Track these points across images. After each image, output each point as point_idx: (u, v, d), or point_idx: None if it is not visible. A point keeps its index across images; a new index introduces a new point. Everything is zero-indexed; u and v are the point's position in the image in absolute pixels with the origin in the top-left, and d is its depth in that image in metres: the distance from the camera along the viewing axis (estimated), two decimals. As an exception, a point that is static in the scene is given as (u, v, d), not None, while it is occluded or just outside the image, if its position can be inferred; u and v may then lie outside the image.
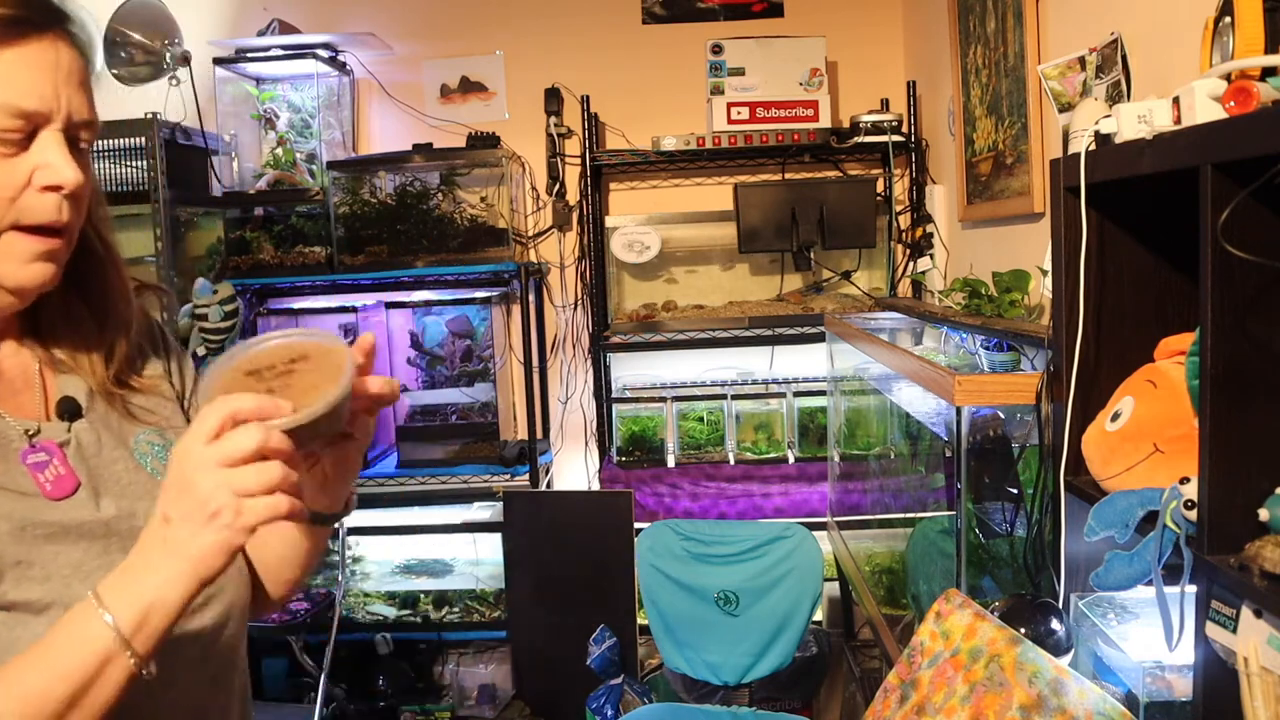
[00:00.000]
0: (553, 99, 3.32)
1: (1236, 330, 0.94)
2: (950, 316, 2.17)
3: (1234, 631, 0.94)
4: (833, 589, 2.97)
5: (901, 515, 2.34)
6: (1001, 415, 1.63)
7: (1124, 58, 1.64)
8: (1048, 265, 1.63)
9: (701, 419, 3.13)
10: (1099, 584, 1.13)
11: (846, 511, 2.76)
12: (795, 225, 2.99)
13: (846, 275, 3.20)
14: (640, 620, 2.82)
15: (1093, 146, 1.25)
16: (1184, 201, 1.00)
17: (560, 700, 2.85)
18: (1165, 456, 1.14)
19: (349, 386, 0.75)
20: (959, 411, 1.53)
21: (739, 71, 3.06)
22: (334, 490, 0.87)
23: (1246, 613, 0.92)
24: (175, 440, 0.76)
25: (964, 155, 2.57)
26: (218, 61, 3.13)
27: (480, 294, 3.14)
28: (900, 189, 3.18)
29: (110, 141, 2.80)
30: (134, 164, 2.80)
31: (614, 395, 3.28)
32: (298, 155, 3.21)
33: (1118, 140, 1.19)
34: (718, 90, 3.07)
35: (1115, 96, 1.64)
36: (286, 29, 3.18)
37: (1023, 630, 1.26)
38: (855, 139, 3.05)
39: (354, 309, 3.10)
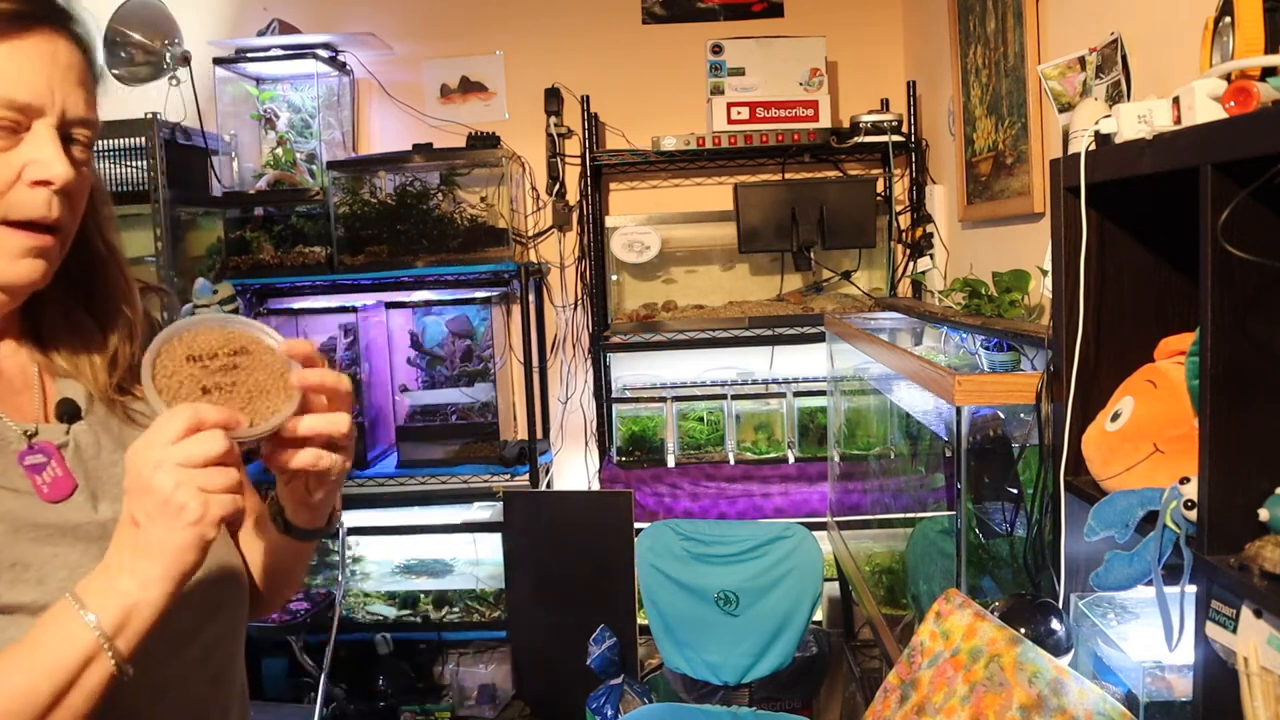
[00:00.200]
0: (553, 99, 3.32)
1: (1236, 330, 0.94)
2: (950, 316, 2.17)
3: (1234, 631, 0.94)
4: (833, 589, 2.97)
5: (901, 515, 2.34)
6: (1001, 415, 1.63)
7: (1124, 58, 1.64)
8: (1048, 265, 1.63)
9: (701, 419, 3.13)
10: (1099, 584, 1.13)
11: (846, 511, 2.76)
12: (795, 225, 2.99)
13: (846, 275, 3.20)
14: (640, 620, 2.82)
15: (1093, 146, 1.25)
16: (1184, 201, 1.00)
17: (560, 700, 2.85)
18: (1165, 456, 1.14)
19: (295, 404, 0.79)
20: (959, 411, 1.53)
21: (739, 71, 3.06)
22: (315, 507, 0.88)
23: (1246, 613, 0.92)
24: None
25: (964, 155, 2.57)
26: (218, 61, 3.13)
27: (480, 294, 3.14)
28: (900, 189, 3.18)
29: (110, 141, 2.80)
30: (134, 164, 2.80)
31: (614, 395, 3.28)
32: (298, 155, 3.21)
33: (1118, 140, 1.19)
34: (718, 90, 3.07)
35: (1115, 96, 1.64)
36: (286, 29, 3.18)
37: (1023, 630, 1.26)
38: (855, 139, 3.05)
39: (354, 309, 3.10)
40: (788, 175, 3.27)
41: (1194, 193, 0.96)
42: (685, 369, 3.35)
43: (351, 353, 3.10)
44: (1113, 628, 1.28)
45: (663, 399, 3.15)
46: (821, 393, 3.10)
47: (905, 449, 2.34)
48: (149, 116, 2.77)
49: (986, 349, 2.05)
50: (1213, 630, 0.97)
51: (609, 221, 3.26)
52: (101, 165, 2.80)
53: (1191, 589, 1.01)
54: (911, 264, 3.12)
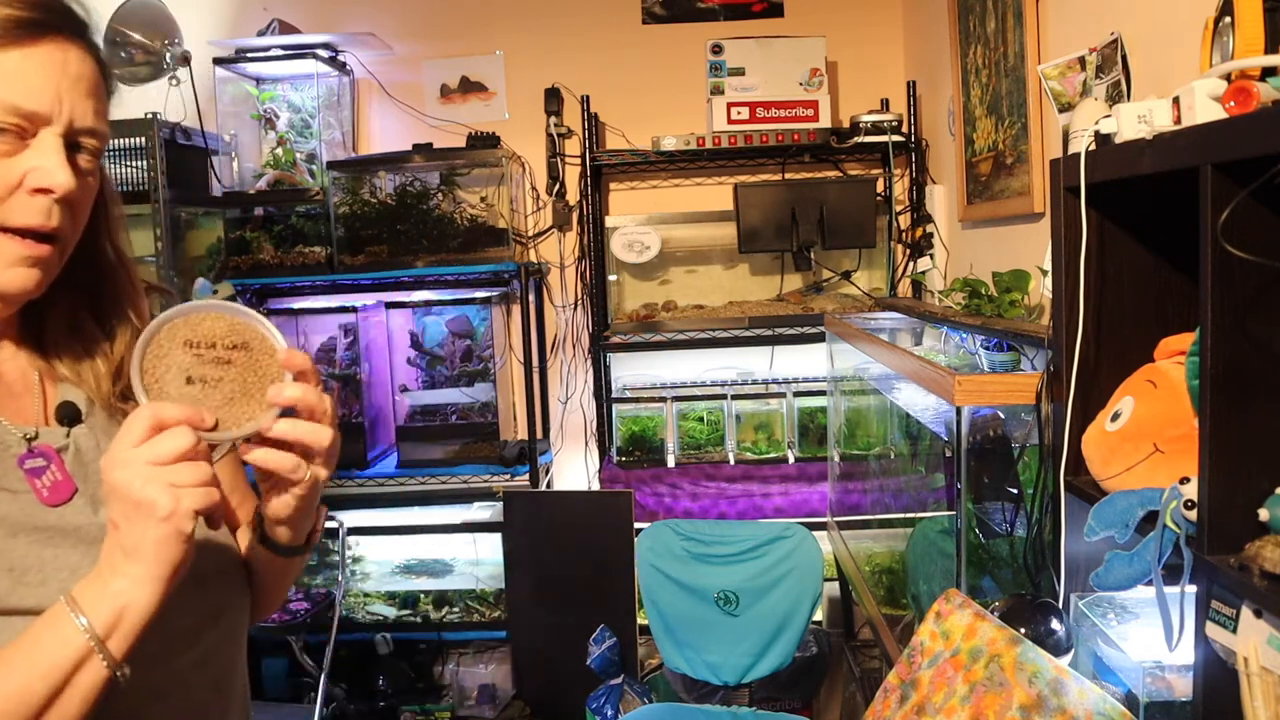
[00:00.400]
0: (553, 99, 3.32)
1: (1236, 330, 0.94)
2: (950, 316, 2.17)
3: (1234, 631, 0.94)
4: (833, 589, 2.97)
5: (901, 515, 2.34)
6: (1001, 415, 1.63)
7: (1124, 58, 1.64)
8: (1048, 265, 1.63)
9: (701, 419, 3.13)
10: (1099, 584, 1.13)
11: (846, 511, 2.76)
12: (795, 225, 2.99)
13: (846, 275, 3.20)
14: (640, 620, 2.82)
15: (1093, 146, 1.25)
16: (1184, 201, 1.00)
17: (560, 700, 2.85)
18: (1165, 456, 1.14)
19: (273, 417, 0.78)
20: (959, 411, 1.53)
21: (739, 71, 3.06)
22: (291, 523, 0.88)
23: (1246, 613, 0.92)
24: None
25: (964, 155, 2.57)
26: (218, 61, 3.13)
27: (480, 294, 3.14)
28: (900, 189, 3.18)
29: (110, 141, 2.78)
30: (134, 164, 2.80)
31: (614, 395, 3.28)
32: (298, 155, 3.21)
33: (1118, 140, 1.19)
34: (718, 90, 3.07)
35: (1115, 96, 1.64)
36: (286, 29, 3.18)
37: (1023, 630, 1.26)
38: (855, 139, 3.05)
39: (354, 309, 3.10)
40: (788, 175, 3.27)
41: (1194, 193, 0.96)
42: (685, 369, 3.35)
43: (351, 353, 3.10)
44: (1113, 628, 1.28)
45: (663, 399, 3.15)
46: (821, 393, 3.10)
47: (905, 449, 2.34)
48: (149, 116, 2.77)
49: (986, 349, 2.05)
50: (1213, 630, 0.97)
51: (609, 221, 3.26)
52: (102, 165, 2.79)
53: (1191, 589, 1.01)
54: (911, 264, 3.12)
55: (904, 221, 3.19)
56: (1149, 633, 1.22)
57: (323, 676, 2.75)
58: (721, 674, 2.52)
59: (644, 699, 2.61)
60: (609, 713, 2.57)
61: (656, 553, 2.64)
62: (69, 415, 0.87)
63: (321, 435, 0.80)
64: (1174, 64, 1.51)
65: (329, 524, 2.99)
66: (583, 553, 2.86)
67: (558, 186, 3.35)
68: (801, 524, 2.60)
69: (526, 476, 3.01)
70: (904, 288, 3.19)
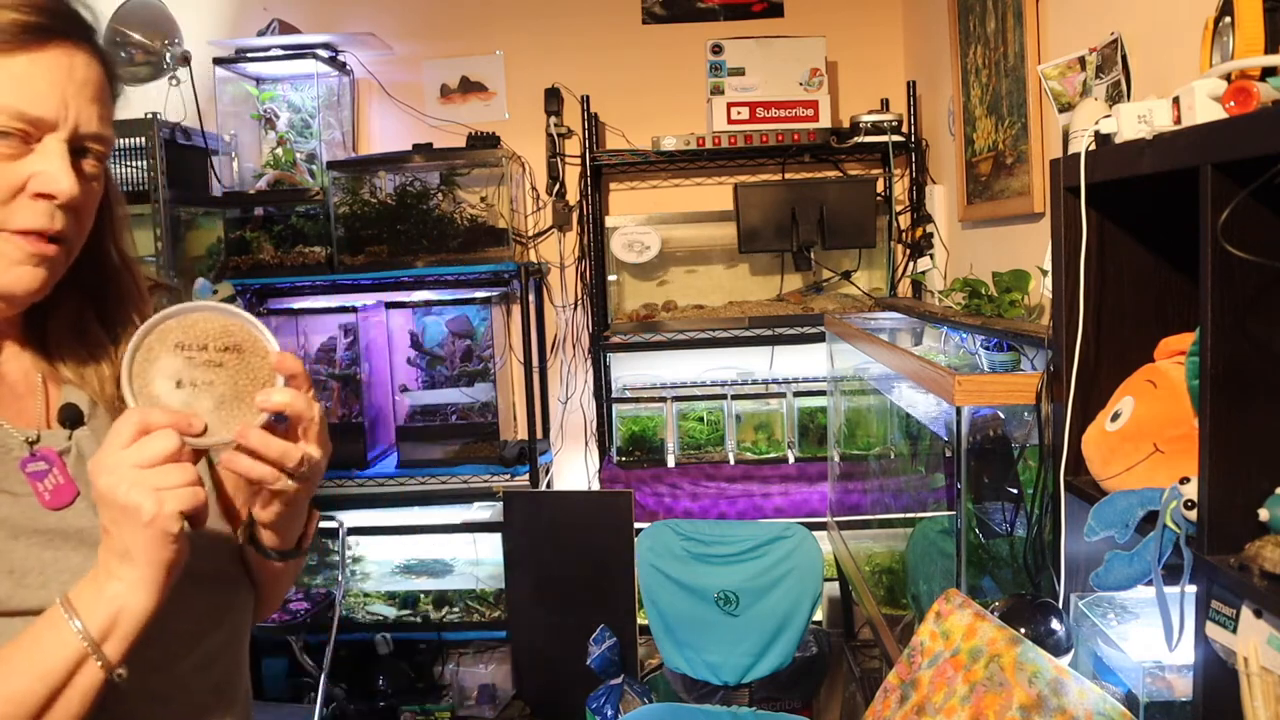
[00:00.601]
0: (553, 99, 3.32)
1: (1236, 330, 0.94)
2: (950, 316, 2.17)
3: (1234, 631, 0.94)
4: (833, 589, 2.97)
5: (901, 515, 2.34)
6: (1001, 415, 1.63)
7: (1124, 58, 1.64)
8: (1048, 265, 1.63)
9: (701, 419, 3.13)
10: (1099, 584, 1.13)
11: (846, 511, 2.76)
12: (795, 225, 2.99)
13: (846, 275, 3.20)
14: (640, 620, 2.82)
15: (1093, 146, 1.25)
16: (1184, 201, 1.00)
17: (560, 700, 2.85)
18: (1165, 456, 1.14)
19: (261, 423, 0.78)
20: (959, 411, 1.53)
21: (739, 71, 3.06)
22: (278, 528, 0.87)
23: (1246, 613, 0.92)
24: None
25: (964, 155, 2.57)
26: (218, 61, 3.13)
27: (480, 294, 3.14)
28: (900, 189, 3.18)
29: (110, 142, 2.80)
30: (134, 164, 2.80)
31: (614, 395, 3.28)
32: (298, 155, 3.21)
33: (1118, 140, 1.19)
34: (718, 90, 3.07)
35: (1115, 96, 1.64)
36: (286, 29, 3.18)
37: (1023, 630, 1.26)
38: (855, 139, 3.05)
39: (354, 309, 3.10)
40: (788, 175, 3.27)
41: (1194, 193, 0.96)
42: (685, 369, 3.35)
43: (351, 353, 3.10)
44: (1113, 628, 1.28)
45: (663, 399, 3.15)
46: (821, 393, 3.10)
47: (905, 449, 2.34)
48: (149, 116, 2.77)
49: (986, 349, 2.05)
50: (1213, 630, 0.97)
51: (609, 221, 3.26)
52: (102, 165, 2.80)
53: (1191, 589, 1.01)
54: (911, 264, 3.12)
55: (904, 221, 3.19)
56: (1149, 633, 1.22)
57: (323, 676, 2.75)
58: (721, 674, 2.52)
59: (644, 699, 2.61)
60: (609, 713, 2.57)
61: (656, 553, 2.64)
62: (71, 417, 0.87)
63: (292, 454, 0.78)
64: (1174, 64, 1.51)
65: (329, 524, 2.99)
66: (583, 553, 2.86)
67: (558, 186, 3.35)
68: (801, 524, 2.60)
69: (526, 476, 3.01)
70: (904, 288, 3.19)
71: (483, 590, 3.17)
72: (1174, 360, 1.19)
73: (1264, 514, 0.93)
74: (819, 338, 3.00)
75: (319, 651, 2.80)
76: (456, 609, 3.15)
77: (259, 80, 3.27)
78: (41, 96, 0.77)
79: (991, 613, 1.31)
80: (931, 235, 2.97)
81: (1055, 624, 1.29)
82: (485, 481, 3.03)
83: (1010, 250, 2.34)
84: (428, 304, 3.15)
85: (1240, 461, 0.96)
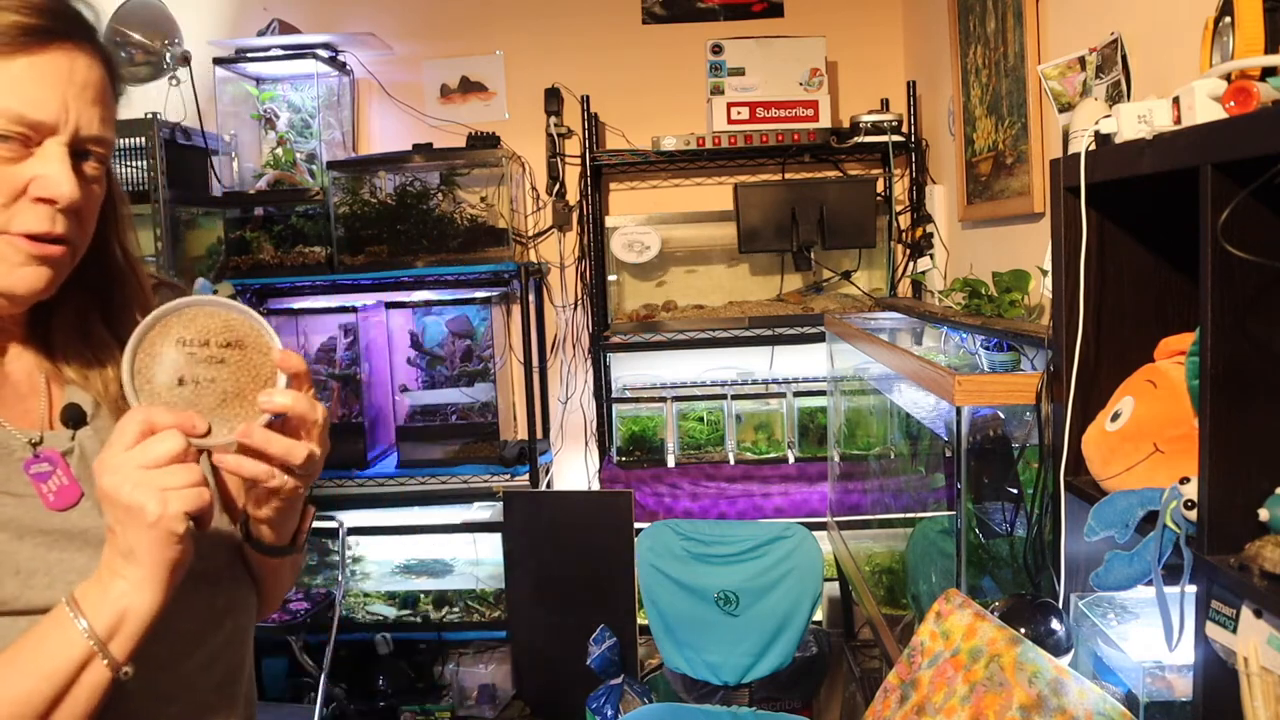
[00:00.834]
0: (553, 99, 3.32)
1: (1236, 330, 0.94)
2: (950, 316, 2.17)
3: (1234, 631, 0.94)
4: (833, 589, 2.97)
5: (901, 515, 2.34)
6: (1001, 415, 1.63)
7: (1124, 58, 1.64)
8: (1048, 265, 1.63)
9: (701, 419, 3.13)
10: (1099, 584, 1.13)
11: (846, 511, 2.76)
12: (795, 225, 2.99)
13: (846, 275, 3.20)
14: (640, 620, 2.82)
15: (1093, 146, 1.25)
16: (1184, 201, 1.00)
17: (560, 700, 2.85)
18: (1165, 456, 1.14)
19: (263, 423, 0.77)
20: (959, 411, 1.53)
21: (739, 71, 3.06)
22: (274, 524, 0.87)
23: (1246, 613, 0.92)
24: None
25: (964, 155, 2.57)
26: (218, 61, 3.13)
27: (480, 294, 3.14)
28: (900, 189, 3.18)
29: (111, 142, 2.80)
30: (134, 164, 2.80)
31: (614, 395, 3.28)
32: (298, 155, 3.21)
33: (1118, 140, 1.19)
34: (718, 90, 3.07)
35: (1115, 96, 1.64)
36: (286, 29, 3.18)
37: (1023, 630, 1.26)
38: (855, 139, 3.05)
39: (354, 309, 3.10)
40: (788, 175, 3.27)
41: (1194, 193, 0.96)
42: (685, 369, 3.35)
43: (351, 353, 3.10)
44: (1113, 628, 1.28)
45: (663, 399, 3.15)
46: (821, 393, 3.10)
47: (905, 449, 2.34)
48: (149, 116, 2.77)
49: (986, 349, 2.05)
50: (1213, 630, 0.97)
51: (609, 221, 3.26)
52: (102, 165, 2.80)
53: (1191, 589, 1.01)
54: (911, 264, 3.12)
55: (904, 221, 3.19)
56: (1149, 633, 1.22)
57: (323, 676, 2.75)
58: (721, 674, 2.52)
59: (644, 699, 2.61)
60: (609, 713, 2.57)
61: (656, 553, 2.64)
62: (74, 417, 0.87)
63: (296, 452, 0.78)
64: (1174, 64, 1.50)
65: (329, 524, 2.99)
66: (583, 553, 2.86)
67: (558, 186, 3.35)
68: (801, 524, 2.60)
69: (526, 476, 3.01)
70: (904, 288, 3.19)
71: (483, 590, 3.17)
72: (1174, 360, 1.19)
73: (1264, 514, 0.93)
74: (819, 338, 3.00)
75: (319, 651, 2.80)
76: (456, 609, 3.15)
77: (259, 80, 3.27)
78: (41, 100, 0.77)
79: (991, 613, 1.31)
80: (931, 235, 2.97)
81: (1055, 624, 1.29)
82: (485, 481, 3.03)
83: (1010, 250, 2.34)
84: (428, 304, 3.15)
85: (1240, 461, 0.96)
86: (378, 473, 3.07)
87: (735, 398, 3.13)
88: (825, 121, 3.07)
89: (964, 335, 2.20)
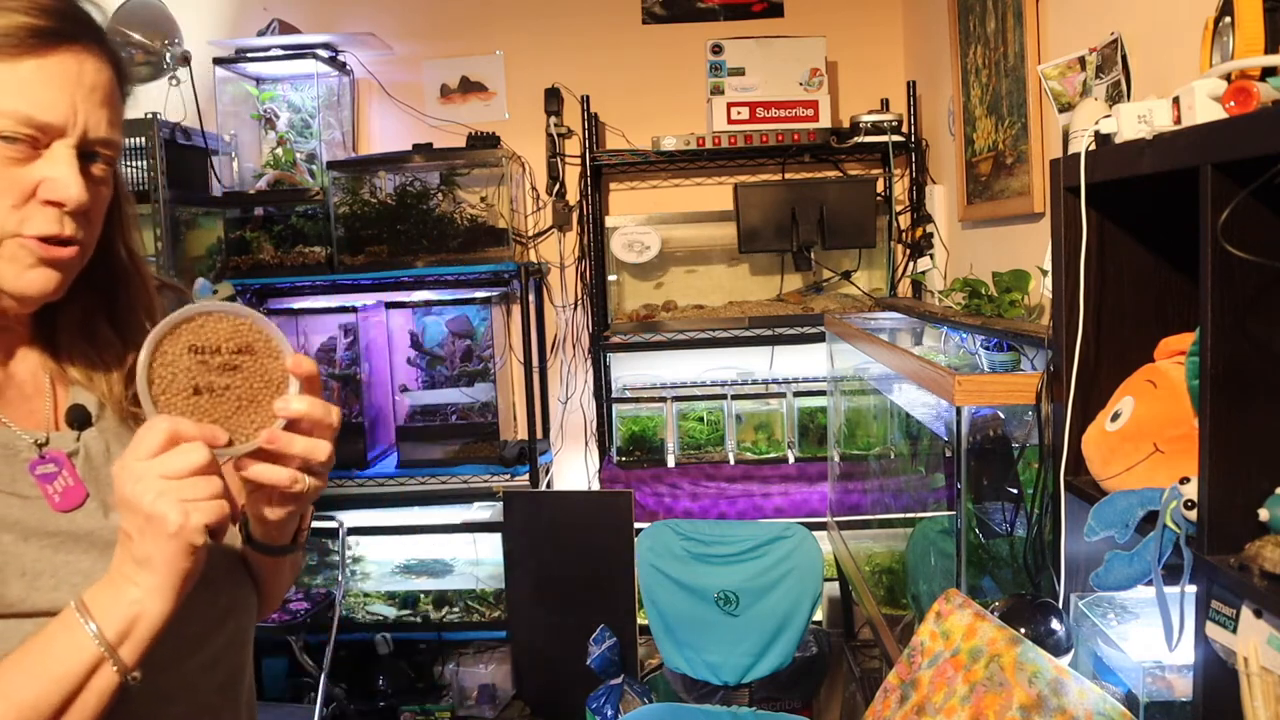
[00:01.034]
0: (553, 99, 3.32)
1: (1236, 330, 0.94)
2: (950, 316, 2.17)
3: (1234, 631, 0.94)
4: (833, 589, 2.97)
5: (901, 515, 2.34)
6: (1001, 415, 1.63)
7: (1124, 58, 1.64)
8: (1048, 265, 1.63)
9: (701, 419, 3.13)
10: (1099, 584, 1.13)
11: (846, 511, 2.76)
12: (795, 225, 2.99)
13: (846, 275, 3.20)
14: (640, 620, 2.82)
15: (1093, 146, 1.25)
16: (1184, 201, 1.00)
17: (560, 700, 2.85)
18: (1165, 456, 1.14)
19: (279, 428, 0.78)
20: (959, 411, 1.53)
21: (739, 71, 3.06)
22: (277, 524, 0.87)
23: (1246, 613, 0.92)
24: None
25: (964, 155, 2.57)
26: (218, 61, 3.13)
27: (480, 294, 3.14)
28: (900, 189, 3.18)
29: (112, 142, 2.80)
30: (134, 164, 2.80)
31: (614, 395, 3.28)
32: (298, 155, 3.21)
33: (1118, 140, 1.19)
34: (718, 90, 3.07)
35: (1115, 96, 1.64)
36: (286, 29, 3.18)
37: (1023, 630, 1.25)
38: (855, 139, 3.05)
39: (354, 309, 3.10)
40: (788, 175, 3.27)
41: (1194, 193, 0.96)
42: (685, 369, 3.35)
43: (351, 353, 3.10)
44: (1113, 628, 1.28)
45: (663, 399, 3.15)
46: (821, 393, 3.10)
47: (905, 449, 2.34)
48: (149, 116, 2.77)
49: (986, 349, 2.05)
50: (1213, 630, 0.97)
51: (609, 221, 3.26)
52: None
53: (1191, 589, 1.01)
54: (911, 264, 3.12)
55: (904, 221, 3.19)
56: (1149, 633, 1.22)
57: (323, 676, 2.75)
58: (721, 674, 2.52)
59: (644, 699, 2.61)
60: (609, 713, 2.57)
61: (656, 553, 2.64)
62: (79, 418, 0.87)
63: (320, 450, 0.79)
64: (1174, 64, 1.50)
65: (329, 524, 2.99)
66: (583, 553, 2.86)
67: (558, 186, 3.35)
68: (801, 524, 2.60)
69: (526, 476, 3.01)
70: (904, 288, 3.19)
71: (483, 590, 3.17)
72: (1174, 360, 1.19)
73: (1264, 514, 0.93)
74: (819, 338, 3.00)
75: (319, 651, 2.80)
76: (456, 609, 3.15)
77: (259, 80, 3.27)
78: (50, 102, 0.77)
79: (991, 613, 1.31)
80: (931, 235, 2.97)
81: (1055, 624, 1.29)
82: (485, 481, 3.03)
83: (1010, 250, 2.34)
84: (428, 304, 3.15)
85: (1240, 461, 0.96)
86: (378, 473, 3.07)
87: (735, 398, 3.13)
88: (825, 121, 3.07)
89: (964, 335, 2.20)
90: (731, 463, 3.01)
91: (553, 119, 3.33)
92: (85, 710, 0.73)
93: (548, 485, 3.30)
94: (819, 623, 3.03)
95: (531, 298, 3.29)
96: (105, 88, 0.81)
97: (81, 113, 0.79)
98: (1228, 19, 1.02)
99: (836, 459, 2.85)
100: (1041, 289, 1.94)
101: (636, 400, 3.18)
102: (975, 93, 2.47)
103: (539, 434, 3.15)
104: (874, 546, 2.58)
